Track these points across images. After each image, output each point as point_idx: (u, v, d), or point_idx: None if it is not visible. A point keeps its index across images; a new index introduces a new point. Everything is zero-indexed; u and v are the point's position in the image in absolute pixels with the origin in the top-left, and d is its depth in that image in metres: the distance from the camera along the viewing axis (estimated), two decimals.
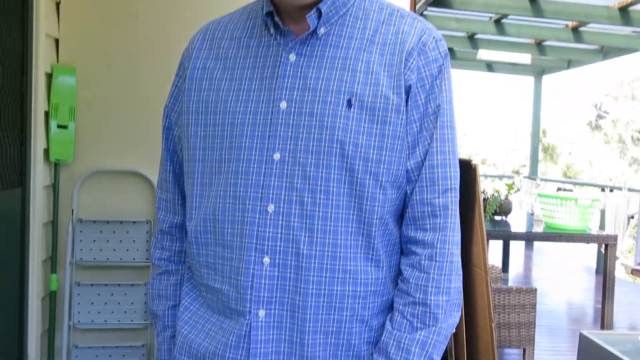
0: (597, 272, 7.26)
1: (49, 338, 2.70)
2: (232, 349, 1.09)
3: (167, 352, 1.26)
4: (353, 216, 1.07)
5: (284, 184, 1.06)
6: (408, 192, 1.10)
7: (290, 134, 1.06)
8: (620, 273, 6.94)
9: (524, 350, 3.15)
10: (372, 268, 1.10)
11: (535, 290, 3.11)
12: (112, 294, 2.77)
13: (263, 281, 1.07)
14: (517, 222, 4.69)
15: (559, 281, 6.80)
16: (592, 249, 8.62)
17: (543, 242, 9.04)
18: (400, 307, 1.09)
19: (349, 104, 1.05)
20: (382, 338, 1.09)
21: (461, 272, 1.11)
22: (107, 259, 2.77)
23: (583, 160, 24.72)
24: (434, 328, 1.06)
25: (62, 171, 2.76)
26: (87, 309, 2.76)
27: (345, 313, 1.08)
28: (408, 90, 1.07)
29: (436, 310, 1.07)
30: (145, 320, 2.78)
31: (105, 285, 2.77)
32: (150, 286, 1.29)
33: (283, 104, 1.07)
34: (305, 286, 1.06)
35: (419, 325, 1.06)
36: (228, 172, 1.10)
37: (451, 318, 1.09)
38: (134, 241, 2.79)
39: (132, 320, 2.78)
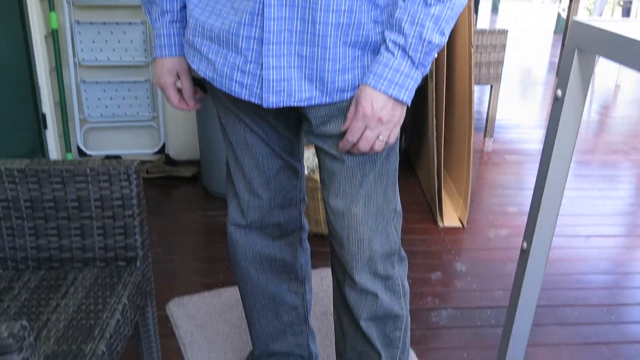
0: (554, 32, 6.97)
1: (57, 74, 2.48)
2: (246, 27, 0.91)
3: (167, 37, 1.06)
4: None
5: None
6: None
7: None
8: None
9: (492, 86, 3.01)
10: None
11: (507, 31, 2.87)
12: (112, 32, 2.49)
13: None
14: None
15: (521, 40, 6.53)
16: (551, 15, 8.22)
17: (508, 11, 8.61)
18: None
19: None
20: (396, 15, 0.89)
21: None
22: None
23: None
24: (448, 3, 0.88)
25: None
26: (90, 47, 2.50)
27: None
28: None
29: None
30: (146, 58, 2.55)
31: (104, 23, 2.48)
32: None
33: None
34: None
35: (432, 1, 0.87)
36: None
37: None
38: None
39: (133, 58, 2.54)
